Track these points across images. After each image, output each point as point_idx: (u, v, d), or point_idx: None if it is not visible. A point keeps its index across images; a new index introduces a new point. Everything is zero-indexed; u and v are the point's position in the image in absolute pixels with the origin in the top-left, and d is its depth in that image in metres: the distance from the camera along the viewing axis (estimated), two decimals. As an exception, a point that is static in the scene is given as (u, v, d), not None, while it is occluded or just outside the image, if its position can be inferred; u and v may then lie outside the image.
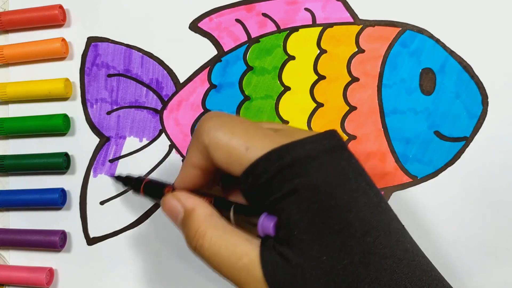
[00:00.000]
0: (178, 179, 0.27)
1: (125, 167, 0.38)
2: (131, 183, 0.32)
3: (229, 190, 0.28)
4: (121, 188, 0.38)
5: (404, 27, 0.35)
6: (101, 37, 0.40)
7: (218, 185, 0.29)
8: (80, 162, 0.39)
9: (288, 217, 0.22)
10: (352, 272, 0.20)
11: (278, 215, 0.22)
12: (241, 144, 0.23)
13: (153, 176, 0.38)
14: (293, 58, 0.36)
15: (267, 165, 0.22)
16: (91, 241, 0.39)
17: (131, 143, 0.38)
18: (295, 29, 0.36)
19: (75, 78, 0.40)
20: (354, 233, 0.21)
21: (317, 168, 0.22)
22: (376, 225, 0.21)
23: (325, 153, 0.23)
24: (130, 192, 0.38)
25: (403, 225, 0.23)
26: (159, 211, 0.37)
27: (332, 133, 0.24)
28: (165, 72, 0.38)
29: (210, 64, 0.37)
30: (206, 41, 0.38)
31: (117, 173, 0.38)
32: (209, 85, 0.37)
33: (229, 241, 0.23)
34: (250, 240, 0.23)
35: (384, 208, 0.23)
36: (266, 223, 0.22)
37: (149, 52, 0.39)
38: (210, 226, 0.24)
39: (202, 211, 0.25)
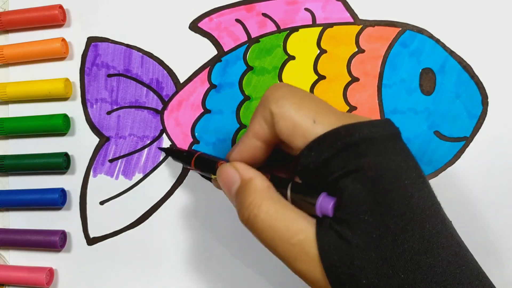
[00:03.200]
0: (235, 150, 0.26)
1: (125, 167, 0.38)
2: (182, 156, 0.31)
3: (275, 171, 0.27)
4: (121, 188, 0.38)
5: (404, 27, 0.35)
6: (101, 37, 0.40)
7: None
8: (80, 162, 0.39)
9: (351, 196, 0.21)
10: (411, 258, 0.20)
11: (339, 194, 0.22)
12: (309, 117, 0.23)
13: (154, 177, 0.38)
14: (293, 58, 0.36)
15: (333, 140, 0.22)
16: (91, 241, 0.39)
17: (131, 143, 0.38)
18: (295, 29, 0.36)
19: (75, 78, 0.40)
20: (415, 218, 0.20)
21: (383, 150, 0.22)
22: (434, 214, 0.21)
23: (389, 138, 0.22)
24: (130, 192, 0.38)
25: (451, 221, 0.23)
26: (159, 211, 0.38)
27: (389, 121, 0.24)
28: (165, 72, 0.38)
29: (210, 64, 0.37)
30: (206, 41, 0.38)
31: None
32: (209, 85, 0.37)
33: (286, 216, 0.23)
34: (307, 218, 0.23)
35: (437, 200, 0.22)
36: (325, 203, 0.22)
37: (149, 52, 0.39)
38: (267, 198, 0.24)
39: (260, 183, 0.24)
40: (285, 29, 0.36)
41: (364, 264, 0.20)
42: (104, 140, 0.39)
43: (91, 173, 0.39)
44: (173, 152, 0.33)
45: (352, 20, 0.36)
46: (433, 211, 0.21)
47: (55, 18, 0.39)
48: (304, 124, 0.23)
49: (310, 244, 0.22)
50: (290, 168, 0.24)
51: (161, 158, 0.38)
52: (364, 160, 0.21)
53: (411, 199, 0.21)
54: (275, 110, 0.23)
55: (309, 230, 0.22)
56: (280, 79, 0.36)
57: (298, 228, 0.22)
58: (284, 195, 0.24)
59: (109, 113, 0.39)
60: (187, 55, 0.38)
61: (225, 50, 0.37)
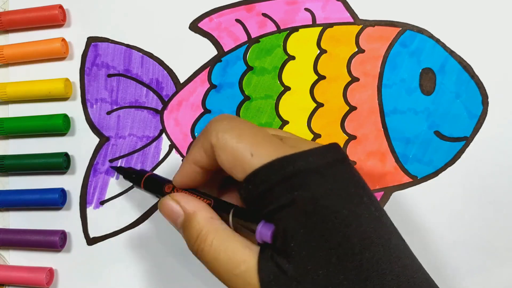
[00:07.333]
0: (177, 175, 0.27)
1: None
2: (131, 177, 0.32)
3: (226, 192, 0.28)
4: (121, 188, 0.38)
5: (404, 27, 0.35)
6: (101, 37, 0.40)
7: (216, 187, 0.28)
8: (80, 162, 0.39)
9: (285, 228, 0.22)
10: None
11: (276, 225, 0.22)
12: (247, 150, 0.23)
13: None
14: (293, 58, 0.36)
15: (268, 174, 0.22)
16: (91, 241, 0.39)
17: (131, 143, 0.38)
18: (295, 29, 0.36)
19: (75, 78, 0.40)
20: (352, 248, 0.21)
21: (318, 181, 0.22)
22: (375, 241, 0.21)
23: (327, 167, 0.22)
24: (130, 192, 0.38)
25: (404, 240, 0.23)
26: (159, 211, 0.37)
27: (334, 146, 0.24)
28: (165, 72, 0.38)
29: (210, 64, 0.37)
30: (206, 41, 0.38)
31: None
32: (209, 85, 0.37)
33: (229, 247, 0.23)
34: (250, 247, 0.23)
35: (385, 223, 0.22)
36: (264, 231, 0.22)
37: (149, 52, 0.39)
38: (212, 230, 0.24)
39: (203, 215, 0.25)
40: (285, 29, 0.36)
41: None
42: (104, 140, 0.39)
43: (91, 173, 0.39)
44: (123, 171, 0.33)
45: (352, 20, 0.36)
46: (374, 237, 0.21)
47: (55, 18, 0.39)
48: (243, 157, 0.23)
49: (252, 275, 0.22)
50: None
51: (161, 158, 0.38)
52: (298, 193, 0.21)
53: (348, 228, 0.21)
54: (216, 142, 0.24)
55: (251, 261, 0.23)
56: (280, 79, 0.36)
57: (241, 259, 0.23)
58: (227, 221, 0.25)
59: (109, 113, 0.39)
60: (187, 55, 0.38)
61: (225, 50, 0.37)
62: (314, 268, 0.21)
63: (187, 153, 0.26)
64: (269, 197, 0.22)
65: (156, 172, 0.38)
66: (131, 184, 0.38)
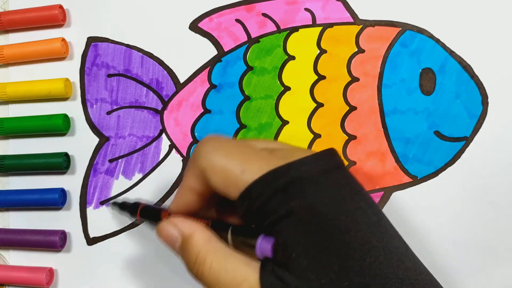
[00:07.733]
0: (173, 203, 0.27)
1: (125, 167, 0.38)
2: (127, 209, 0.32)
3: (224, 213, 0.28)
4: (121, 188, 0.38)
5: (404, 27, 0.35)
6: (101, 37, 0.40)
7: (214, 208, 0.28)
8: (80, 162, 0.39)
9: (285, 240, 0.21)
10: None
11: (276, 238, 0.22)
12: (237, 167, 0.23)
13: (153, 177, 0.38)
14: (293, 58, 0.36)
15: (262, 188, 0.22)
16: (91, 241, 0.39)
17: (131, 143, 0.38)
18: (295, 29, 0.36)
19: (75, 78, 0.40)
20: (353, 254, 0.21)
21: (313, 189, 0.22)
22: (376, 245, 0.21)
23: (321, 174, 0.22)
24: (131, 192, 0.38)
25: (405, 242, 0.23)
26: (159, 211, 0.37)
27: (329, 153, 0.24)
28: (165, 72, 0.38)
29: (210, 64, 0.37)
30: (206, 41, 0.38)
31: (114, 196, 0.38)
32: (209, 85, 0.37)
33: (229, 266, 0.23)
34: (249, 264, 0.23)
35: (384, 226, 0.22)
36: (264, 245, 0.22)
37: (149, 52, 0.39)
38: (210, 251, 0.24)
39: (201, 236, 0.25)
40: (285, 29, 0.36)
41: None
42: (104, 140, 0.39)
43: (91, 173, 0.39)
44: (118, 205, 0.33)
45: (352, 20, 0.36)
46: (374, 241, 0.21)
47: (55, 18, 0.39)
48: (234, 175, 0.23)
49: None
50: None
51: (161, 158, 0.38)
52: (294, 203, 0.21)
53: (347, 234, 0.21)
54: (205, 165, 0.24)
55: (253, 277, 0.22)
56: (280, 79, 0.36)
57: (242, 277, 0.22)
58: (227, 240, 0.24)
59: (109, 113, 0.39)
60: (187, 55, 0.38)
61: (225, 50, 0.37)
62: (316, 277, 0.21)
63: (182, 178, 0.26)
64: (266, 211, 0.22)
65: (156, 172, 0.38)
66: (131, 184, 0.38)
